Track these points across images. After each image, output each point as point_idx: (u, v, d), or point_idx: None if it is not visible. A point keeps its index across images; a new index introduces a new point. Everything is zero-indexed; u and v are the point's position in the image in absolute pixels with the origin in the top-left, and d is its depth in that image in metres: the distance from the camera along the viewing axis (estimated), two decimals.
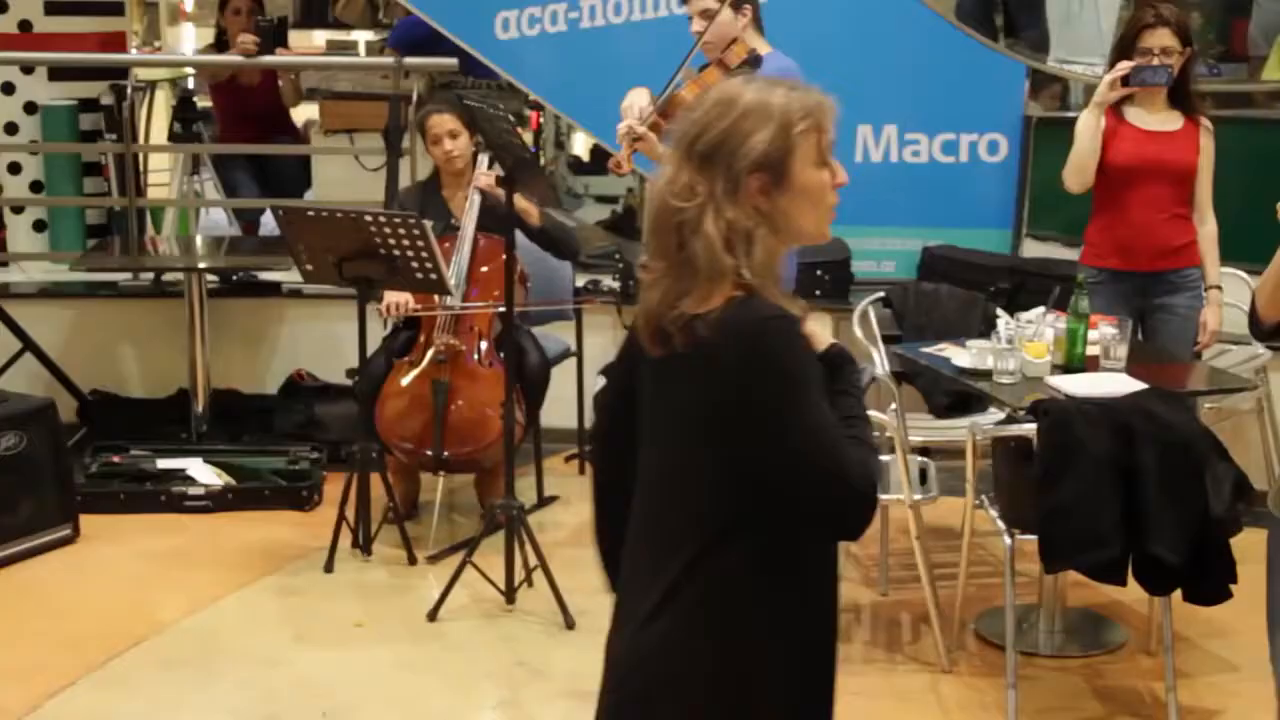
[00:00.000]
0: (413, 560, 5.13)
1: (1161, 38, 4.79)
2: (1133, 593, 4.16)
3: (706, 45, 4.61)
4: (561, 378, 5.75)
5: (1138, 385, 4.17)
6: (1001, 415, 4.71)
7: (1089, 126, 4.85)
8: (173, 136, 7.32)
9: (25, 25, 6.74)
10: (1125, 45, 4.88)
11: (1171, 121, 4.89)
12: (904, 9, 6.25)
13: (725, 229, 2.16)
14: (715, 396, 2.16)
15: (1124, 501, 3.85)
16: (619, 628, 2.33)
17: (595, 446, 2.61)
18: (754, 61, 4.57)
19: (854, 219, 6.15)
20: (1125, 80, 4.80)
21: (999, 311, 4.89)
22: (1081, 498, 3.85)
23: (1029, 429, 3.99)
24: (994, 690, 4.24)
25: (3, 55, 6.65)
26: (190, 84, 7.84)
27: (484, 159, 5.31)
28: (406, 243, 4.85)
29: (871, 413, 4.37)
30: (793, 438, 2.12)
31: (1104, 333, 4.45)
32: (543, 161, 7.94)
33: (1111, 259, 4.92)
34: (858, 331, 5.04)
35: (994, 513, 4.31)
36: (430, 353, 5.26)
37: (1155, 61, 4.79)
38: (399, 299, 5.24)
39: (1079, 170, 4.87)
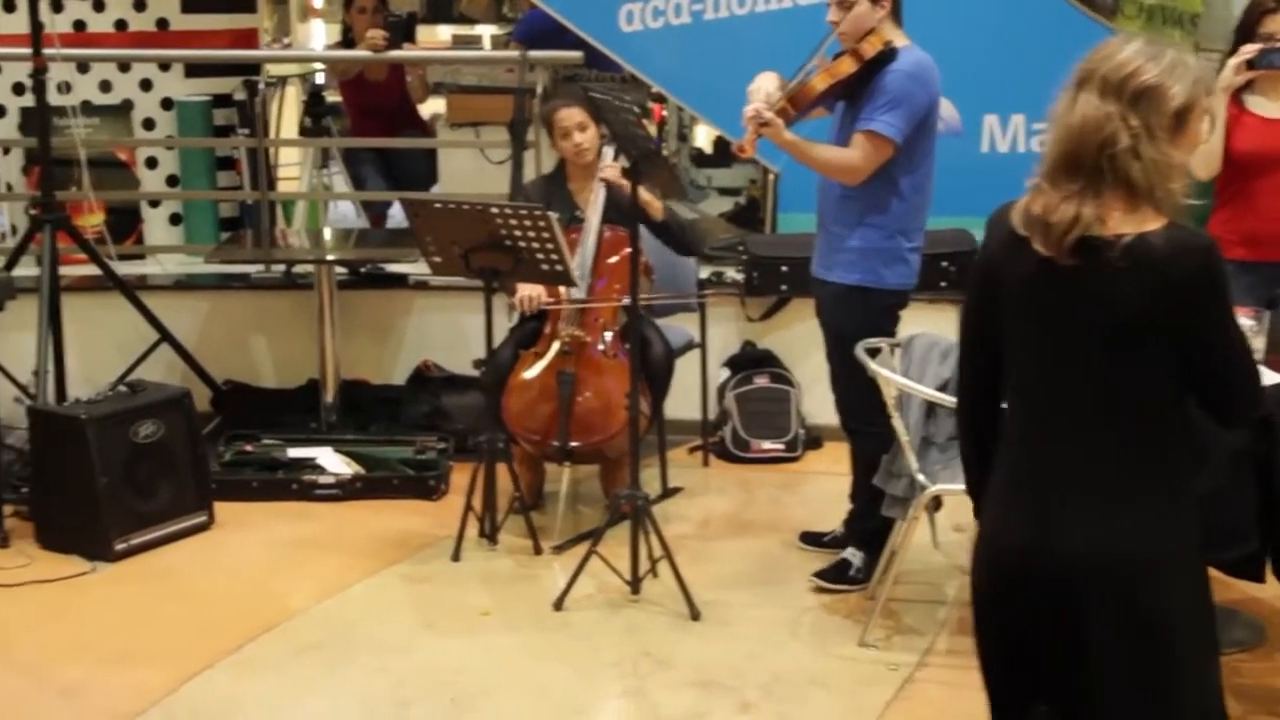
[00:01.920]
0: (538, 550, 5.17)
1: None
2: (1271, 589, 4.08)
3: (842, 35, 4.57)
4: (685, 369, 5.75)
5: (1277, 377, 4.08)
6: None
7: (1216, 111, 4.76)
8: (303, 131, 7.44)
9: (163, 23, 6.88)
10: (1245, 30, 4.79)
11: None
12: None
13: (1153, 164, 2.51)
14: (1166, 303, 2.51)
15: (1262, 495, 3.77)
16: (1044, 520, 2.61)
17: (965, 361, 2.86)
18: (889, 55, 4.54)
19: (980, 209, 6.00)
20: (1251, 64, 4.71)
21: None
22: (1218, 492, 3.74)
23: None
24: None
25: (141, 53, 6.80)
26: (320, 79, 7.96)
27: (609, 151, 5.33)
28: (532, 234, 4.88)
29: None
30: (1232, 339, 2.60)
31: (1241, 324, 4.34)
32: (666, 154, 7.95)
33: (1238, 250, 4.81)
34: None
35: None
36: (556, 344, 5.30)
37: (1278, 45, 4.69)
38: (532, 292, 5.28)
39: (1206, 156, 4.77)
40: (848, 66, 4.53)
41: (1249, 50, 4.70)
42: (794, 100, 4.53)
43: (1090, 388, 2.60)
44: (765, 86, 4.59)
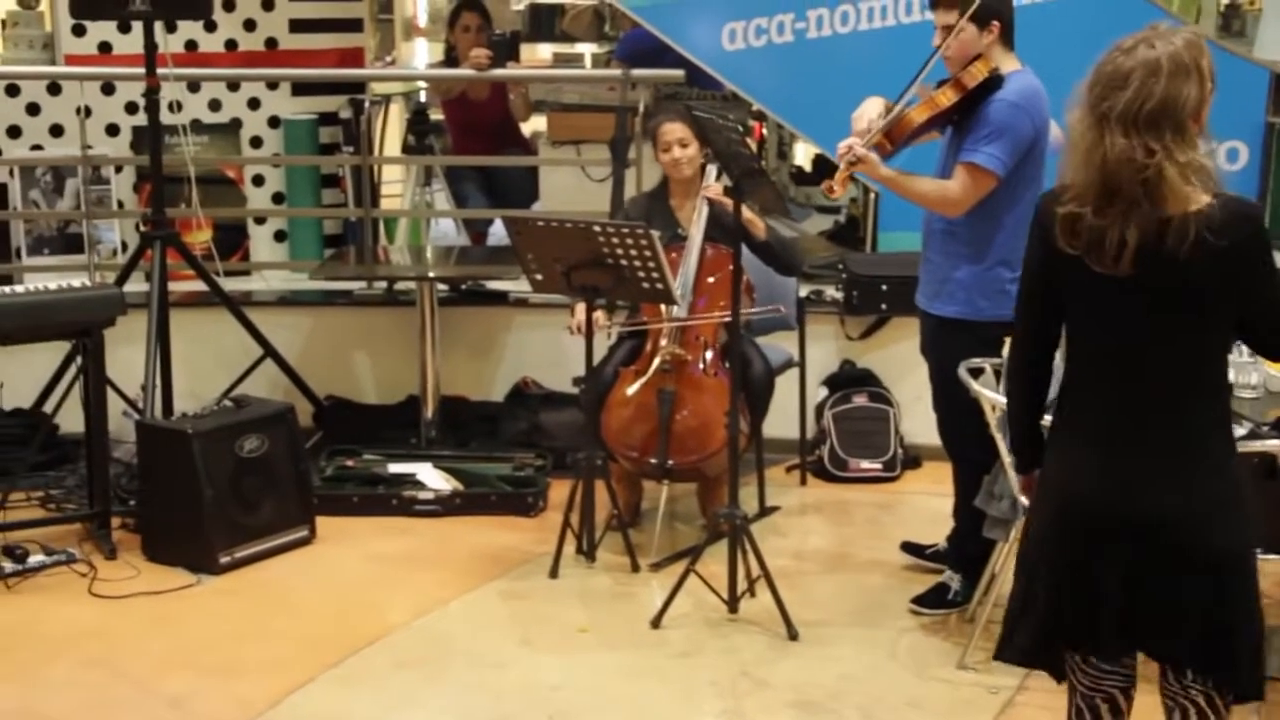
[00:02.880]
0: (636, 567, 5.18)
1: None
2: None
3: (948, 60, 4.51)
4: (784, 388, 5.74)
5: None
6: (1243, 430, 4.55)
7: None
8: (406, 149, 7.52)
9: (271, 43, 7.00)
10: None
11: None
12: (1142, 14, 6.08)
13: (1182, 170, 2.75)
14: (1229, 268, 2.80)
15: None
16: (1127, 478, 2.90)
17: (1026, 318, 3.09)
18: (994, 82, 4.46)
19: None
20: None
21: None
22: None
23: (1274, 445, 3.84)
24: (1236, 713, 4.08)
25: (250, 72, 6.92)
26: (423, 97, 8.04)
27: (712, 170, 5.33)
28: (634, 252, 4.89)
29: None
30: (1278, 292, 2.88)
31: None
32: (767, 171, 7.94)
33: None
34: None
35: None
36: (656, 361, 5.30)
37: None
38: (580, 319, 5.22)
39: None
40: (948, 98, 4.45)
41: None
42: (891, 134, 4.46)
43: (1163, 355, 2.87)
44: (868, 113, 4.54)
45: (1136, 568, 2.90)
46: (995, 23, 4.50)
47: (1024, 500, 3.67)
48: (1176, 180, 2.75)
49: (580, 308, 5.22)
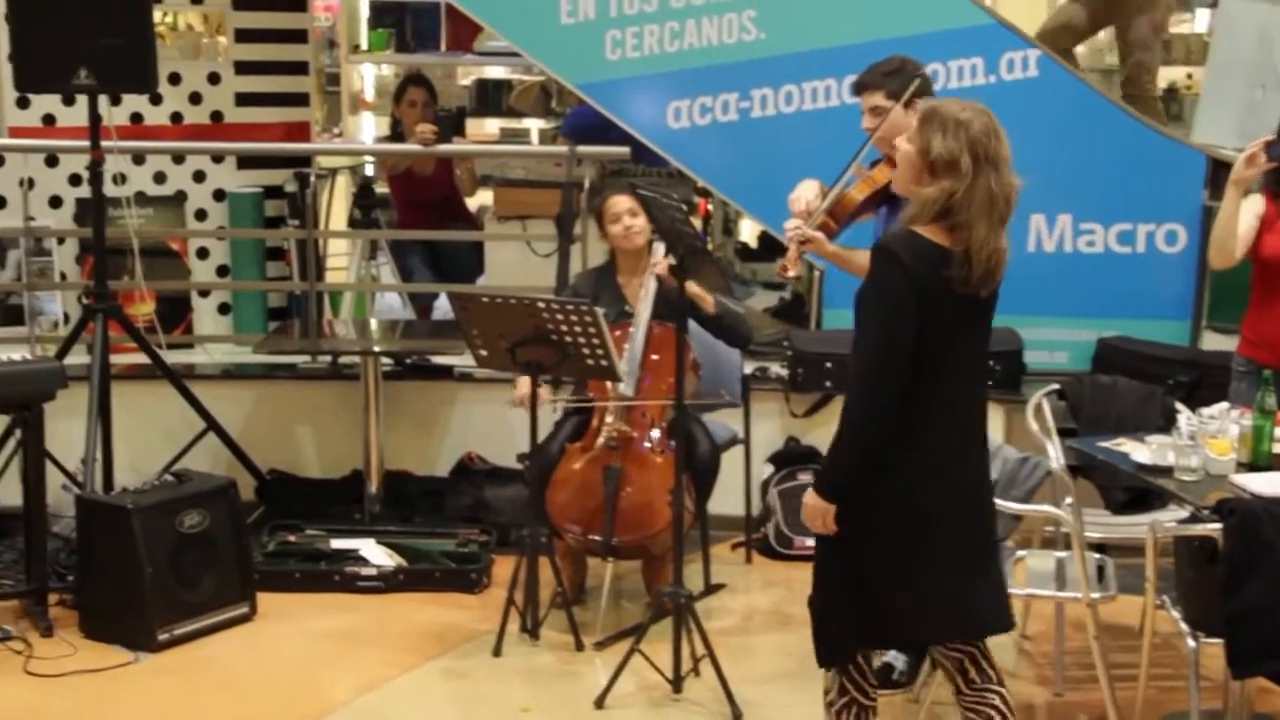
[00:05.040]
0: (580, 646, 5.15)
1: None
2: None
3: (879, 141, 4.60)
4: (729, 465, 5.74)
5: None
6: (1182, 513, 4.60)
7: (1228, 202, 4.81)
8: (352, 223, 7.51)
9: (217, 116, 7.01)
10: None
11: None
12: (1078, 97, 6.20)
13: None
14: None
15: None
16: (965, 475, 3.60)
17: (898, 372, 3.46)
18: None
19: (1026, 309, 6.09)
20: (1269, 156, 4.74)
21: (1179, 406, 4.78)
22: (1271, 600, 3.73)
23: (1214, 528, 3.88)
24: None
25: (196, 145, 6.92)
26: (370, 170, 8.05)
27: (659, 247, 5.36)
28: (579, 329, 4.91)
29: (1046, 508, 4.34)
30: None
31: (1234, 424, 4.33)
32: (711, 247, 7.99)
33: (1260, 352, 4.82)
34: (1032, 424, 4.95)
35: (1176, 614, 4.19)
36: (602, 438, 5.30)
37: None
38: (524, 390, 5.23)
39: (1216, 246, 4.86)
40: (884, 175, 4.55)
41: (1257, 144, 4.73)
42: (834, 213, 4.58)
43: (975, 382, 3.66)
44: (805, 195, 4.64)
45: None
46: (919, 100, 4.59)
47: None
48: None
49: (524, 381, 5.21)
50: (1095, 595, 4.38)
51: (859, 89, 4.70)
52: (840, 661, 3.70)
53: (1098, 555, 4.69)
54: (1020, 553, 4.76)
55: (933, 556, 3.52)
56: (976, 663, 3.65)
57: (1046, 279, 6.16)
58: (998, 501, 4.35)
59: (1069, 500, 4.51)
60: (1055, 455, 4.75)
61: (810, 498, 3.62)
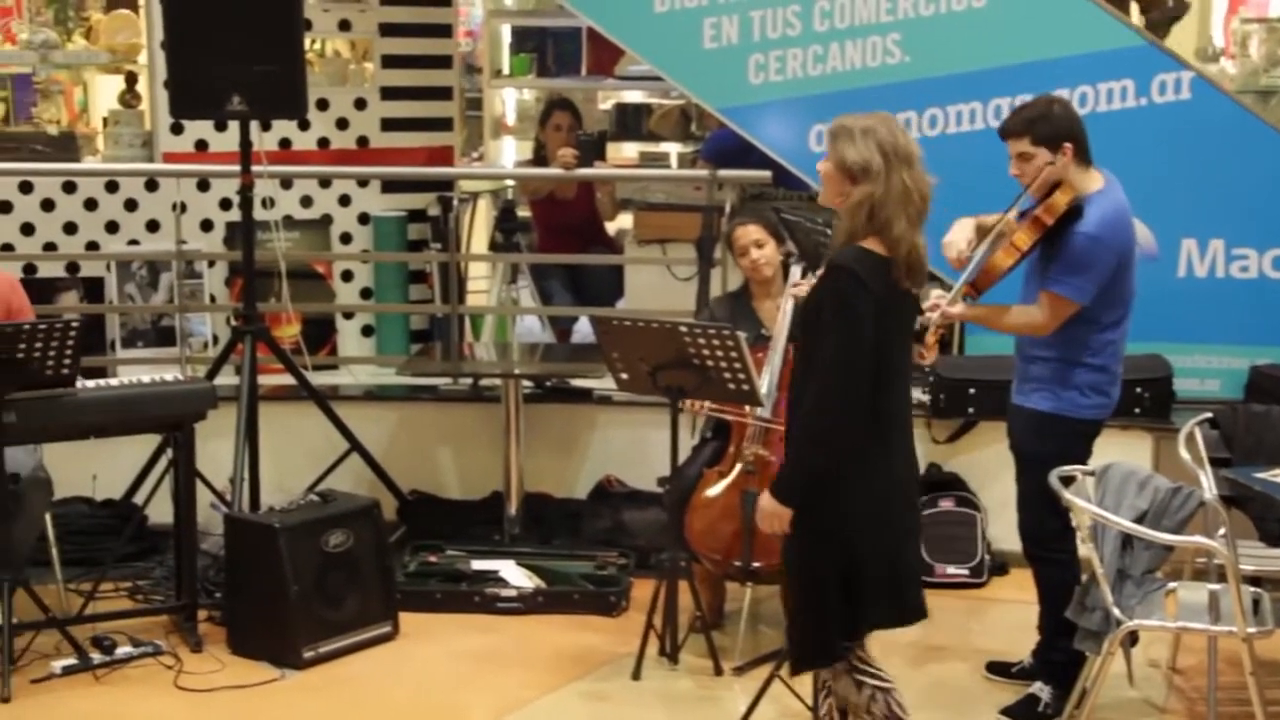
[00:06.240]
0: (719, 670, 5.13)
1: None
2: None
3: (1030, 190, 4.55)
4: None
5: None
6: None
7: None
8: (493, 246, 7.58)
9: (363, 141, 7.12)
10: None
11: None
12: (1232, 120, 6.06)
13: None
14: None
15: None
16: (911, 464, 3.96)
17: (863, 383, 3.71)
18: (1074, 213, 4.49)
19: (1176, 335, 5.98)
20: None
21: None
22: None
23: None
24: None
25: (342, 169, 7.03)
26: (510, 195, 8.12)
27: (796, 269, 5.33)
28: (720, 353, 4.89)
29: (1199, 539, 4.25)
30: None
31: None
32: None
33: None
34: (1184, 453, 4.84)
35: None
36: (740, 463, 5.28)
37: None
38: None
39: None
40: (1028, 239, 4.51)
41: None
42: (977, 283, 4.56)
43: (909, 378, 3.97)
44: (958, 241, 4.61)
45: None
46: (1067, 144, 4.51)
47: None
48: None
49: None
50: (1251, 630, 4.27)
51: (1003, 135, 4.64)
52: (828, 659, 3.94)
53: (1253, 589, 4.57)
54: (1171, 584, 4.65)
55: (900, 545, 3.86)
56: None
57: (1197, 305, 6.04)
58: (1149, 532, 4.29)
59: (1222, 531, 4.41)
60: (1208, 485, 4.64)
61: (768, 502, 3.84)
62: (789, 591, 4.13)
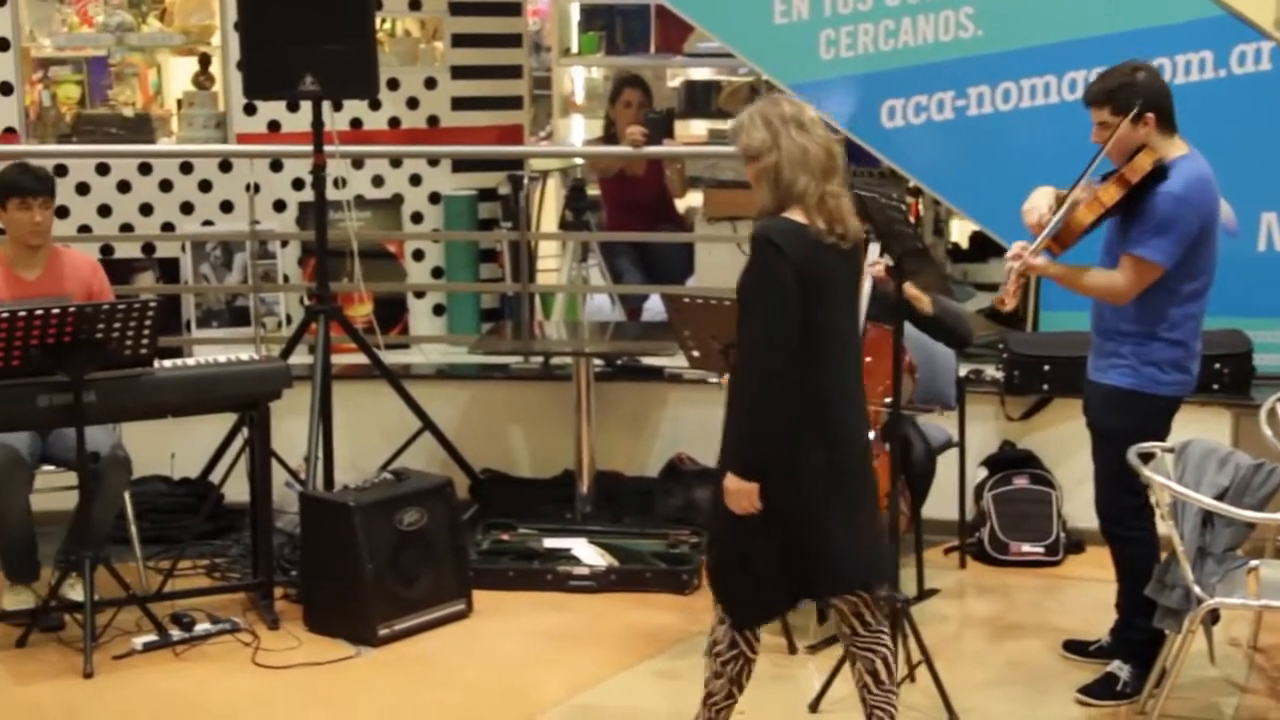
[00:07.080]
0: (793, 649, 5.12)
1: None
2: None
3: (1110, 154, 4.50)
4: (942, 469, 5.65)
5: None
6: None
7: None
8: (563, 225, 7.58)
9: (433, 120, 7.14)
10: None
11: None
12: None
13: None
14: None
15: None
16: (860, 425, 4.04)
17: (787, 348, 3.75)
18: (1159, 174, 4.43)
19: (1256, 310, 5.90)
20: None
21: None
22: None
23: None
24: None
25: (413, 149, 7.06)
26: (580, 173, 8.12)
27: (874, 248, 5.28)
28: None
29: None
30: None
31: None
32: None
33: None
34: (1265, 429, 4.78)
35: None
36: None
37: None
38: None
39: None
40: (1112, 195, 4.46)
41: None
42: (1059, 237, 4.51)
43: (853, 338, 4.02)
44: (1039, 207, 4.56)
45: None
46: (1149, 115, 4.45)
47: None
48: None
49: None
50: None
51: (1087, 102, 4.59)
52: (763, 621, 4.09)
53: None
54: (1253, 562, 4.59)
55: (849, 510, 3.89)
56: (869, 608, 4.04)
57: (1278, 279, 5.94)
58: (1230, 509, 4.23)
59: None
60: None
61: (731, 482, 3.83)
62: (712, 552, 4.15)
